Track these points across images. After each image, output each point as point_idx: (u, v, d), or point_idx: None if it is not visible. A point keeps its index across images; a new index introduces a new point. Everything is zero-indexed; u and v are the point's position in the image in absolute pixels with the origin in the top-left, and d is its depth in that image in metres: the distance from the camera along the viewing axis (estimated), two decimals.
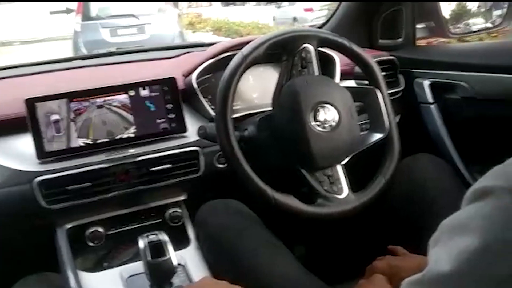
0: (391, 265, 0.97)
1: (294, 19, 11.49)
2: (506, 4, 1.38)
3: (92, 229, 1.13)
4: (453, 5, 1.50)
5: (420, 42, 1.52)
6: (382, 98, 1.09)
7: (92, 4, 7.25)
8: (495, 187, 0.41)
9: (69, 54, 6.93)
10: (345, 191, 1.03)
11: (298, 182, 1.04)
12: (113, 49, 1.59)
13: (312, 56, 1.05)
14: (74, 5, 7.33)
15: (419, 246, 0.47)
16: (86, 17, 7.14)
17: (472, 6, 1.50)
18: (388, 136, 1.09)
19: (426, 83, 1.36)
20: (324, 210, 1.00)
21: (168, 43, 6.41)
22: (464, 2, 1.51)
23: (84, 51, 6.63)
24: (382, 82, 1.10)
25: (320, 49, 1.19)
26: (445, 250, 0.43)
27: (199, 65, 1.24)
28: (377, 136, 1.09)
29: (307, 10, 11.07)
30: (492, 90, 1.21)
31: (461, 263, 0.41)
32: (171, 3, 7.92)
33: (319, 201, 1.01)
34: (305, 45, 1.04)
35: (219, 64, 1.24)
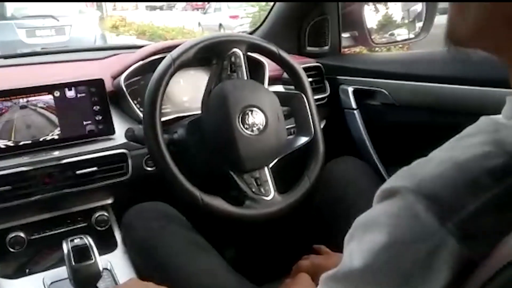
0: (314, 263, 1.00)
1: (220, 25, 11.58)
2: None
3: (13, 234, 1.09)
4: (379, 15, 1.57)
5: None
6: (308, 103, 1.13)
7: (7, 3, 6.96)
8: (401, 187, 0.43)
9: None
10: (272, 193, 1.06)
11: (227, 185, 1.05)
12: (38, 49, 1.52)
13: (241, 60, 1.08)
14: None
15: (341, 244, 0.49)
16: (0, 16, 6.82)
17: (397, 18, 1.57)
18: (313, 140, 1.13)
19: (350, 89, 1.42)
20: (251, 212, 1.02)
21: (90, 46, 6.29)
22: (389, 14, 1.58)
23: None
24: (308, 88, 1.14)
25: (249, 54, 1.22)
26: (358, 246, 0.46)
27: (128, 67, 1.22)
28: (303, 139, 1.13)
29: (232, 17, 11.22)
30: (409, 97, 1.28)
31: (371, 258, 0.43)
32: (94, 6, 7.74)
33: (247, 203, 1.03)
34: (234, 49, 1.06)
35: (149, 67, 1.23)
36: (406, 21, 1.57)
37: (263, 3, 7.71)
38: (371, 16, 1.54)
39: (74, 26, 7.02)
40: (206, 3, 14.37)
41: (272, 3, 1.63)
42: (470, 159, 0.41)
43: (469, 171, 0.41)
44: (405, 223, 0.42)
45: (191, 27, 12.03)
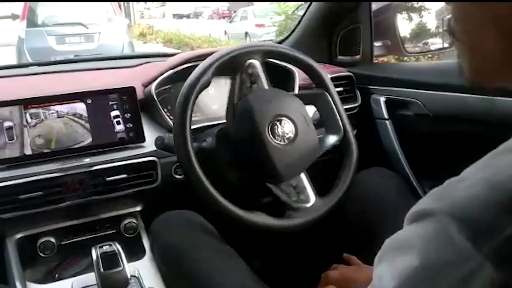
0: (344, 275, 0.98)
1: (246, 34, 11.60)
2: None
3: (43, 240, 1.10)
4: (413, 24, 1.56)
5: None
6: (332, 100, 1.10)
7: (38, 11, 7.10)
8: (434, 209, 0.42)
9: (13, 61, 6.75)
10: (312, 198, 1.03)
11: (261, 195, 1.03)
12: (71, 56, 1.55)
13: (259, 70, 1.05)
14: (19, 11, 7.14)
15: (369, 256, 0.48)
16: (32, 23, 6.96)
17: (431, 26, 1.55)
18: (345, 138, 1.09)
19: (382, 99, 1.39)
20: (293, 222, 1.00)
21: (117, 53, 6.38)
22: (423, 23, 1.56)
23: (28, 58, 6.45)
24: (329, 83, 1.11)
25: (279, 63, 1.21)
26: (388, 268, 0.44)
27: (159, 75, 1.23)
28: (334, 138, 1.10)
29: (258, 25, 11.18)
30: (443, 107, 1.25)
31: (402, 281, 0.42)
32: (122, 14, 7.84)
33: (288, 213, 1.01)
34: (250, 61, 1.04)
35: (179, 75, 1.24)
36: (441, 30, 1.54)
37: (290, 12, 7.70)
38: (404, 24, 1.52)
39: (102, 33, 7.13)
40: (232, 12, 14.45)
41: (302, 13, 1.62)
42: (506, 180, 0.40)
43: (505, 193, 0.39)
44: (438, 246, 0.40)
45: (217, 35, 12.12)
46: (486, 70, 0.47)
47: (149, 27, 14.01)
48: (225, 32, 13.10)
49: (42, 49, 6.54)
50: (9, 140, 1.04)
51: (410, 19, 1.52)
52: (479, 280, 0.38)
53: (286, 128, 1.01)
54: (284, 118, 1.01)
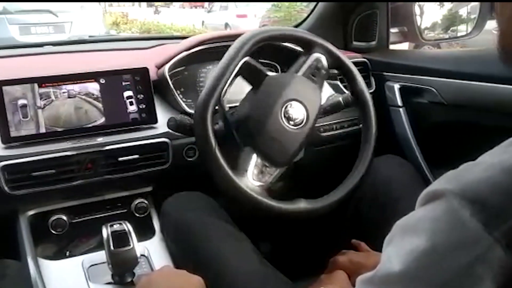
0: (353, 261, 0.98)
1: (226, 25, 10.77)
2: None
3: (55, 217, 1.12)
4: (444, 10, 1.53)
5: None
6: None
7: None
8: (445, 190, 0.42)
9: None
10: None
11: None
12: (86, 37, 1.56)
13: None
14: None
15: (381, 244, 0.48)
16: None
17: (463, 13, 1.52)
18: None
19: (397, 86, 1.38)
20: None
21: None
22: (455, 9, 1.53)
23: None
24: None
25: (292, 46, 1.21)
26: (397, 250, 0.44)
27: (173, 57, 1.22)
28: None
29: (240, 16, 10.46)
30: (459, 96, 1.23)
31: (409, 263, 0.42)
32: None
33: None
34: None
35: (193, 57, 1.24)
36: (472, 16, 1.50)
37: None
38: (434, 10, 1.50)
39: (74, 23, 6.17)
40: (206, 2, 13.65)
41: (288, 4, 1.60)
42: None
43: None
44: (448, 228, 0.40)
45: (192, 25, 10.93)
46: None
47: (123, 15, 12.27)
48: (203, 23, 12.14)
49: (2, 40, 5.46)
50: (23, 117, 1.05)
51: (441, 5, 1.49)
52: (487, 264, 0.38)
53: (297, 111, 1.00)
54: (295, 102, 1.01)
